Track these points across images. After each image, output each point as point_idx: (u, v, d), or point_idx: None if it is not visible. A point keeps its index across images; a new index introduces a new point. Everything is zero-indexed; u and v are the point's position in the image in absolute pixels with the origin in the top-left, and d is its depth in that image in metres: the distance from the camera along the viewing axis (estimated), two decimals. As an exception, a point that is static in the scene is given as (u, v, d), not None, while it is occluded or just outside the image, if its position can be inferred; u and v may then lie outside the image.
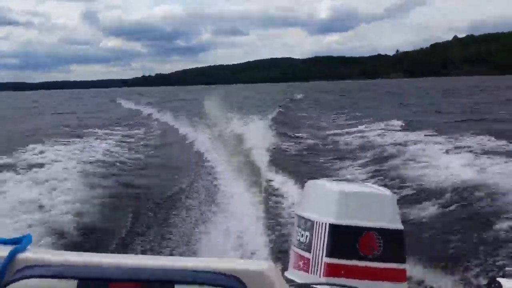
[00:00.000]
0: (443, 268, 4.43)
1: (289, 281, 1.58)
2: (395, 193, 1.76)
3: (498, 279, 1.54)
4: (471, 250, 4.64)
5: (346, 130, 16.23)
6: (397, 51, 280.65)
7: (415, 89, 59.79)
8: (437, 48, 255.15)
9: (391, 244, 1.58)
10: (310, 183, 1.81)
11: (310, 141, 13.85)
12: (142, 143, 15.02)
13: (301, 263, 1.63)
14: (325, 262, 1.56)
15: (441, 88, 55.47)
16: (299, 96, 43.12)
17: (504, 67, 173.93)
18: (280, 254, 4.71)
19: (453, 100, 30.97)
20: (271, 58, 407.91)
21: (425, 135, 12.42)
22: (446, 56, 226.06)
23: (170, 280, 0.98)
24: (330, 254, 1.55)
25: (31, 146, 11.73)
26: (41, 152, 11.23)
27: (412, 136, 12.45)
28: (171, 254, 5.08)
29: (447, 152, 9.61)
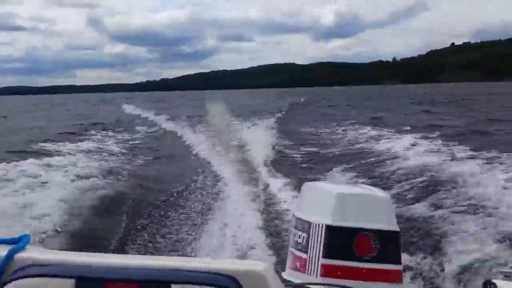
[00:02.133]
0: (439, 269, 4.50)
1: (286, 281, 1.61)
2: (391, 194, 1.94)
3: (493, 280, 1.59)
4: (467, 250, 4.68)
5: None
6: (394, 58, 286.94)
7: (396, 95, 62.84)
8: (433, 55, 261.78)
9: (387, 245, 1.61)
10: (307, 185, 1.85)
11: (307, 143, 14.28)
12: (141, 145, 15.16)
13: (298, 264, 1.66)
14: (321, 263, 1.58)
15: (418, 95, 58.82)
16: (302, 100, 44.38)
17: (495, 73, 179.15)
18: (278, 255, 4.80)
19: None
20: (275, 64, 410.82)
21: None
22: (442, 63, 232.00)
23: (166, 280, 1.00)
24: (326, 255, 1.58)
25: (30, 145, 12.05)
26: (38, 152, 11.35)
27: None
28: (168, 255, 5.18)
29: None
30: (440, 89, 73.76)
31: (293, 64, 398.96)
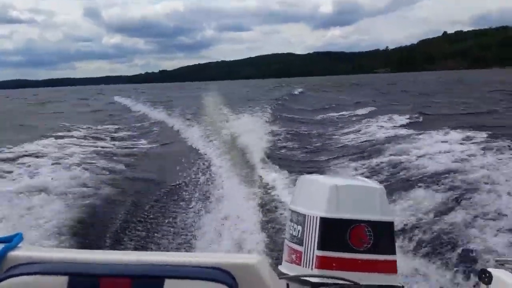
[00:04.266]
0: (434, 260, 4.48)
1: (281, 274, 1.63)
2: (384, 185, 1.89)
3: (488, 269, 1.63)
4: (462, 241, 4.68)
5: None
6: (387, 47, 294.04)
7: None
8: (425, 44, 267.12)
9: (381, 236, 1.62)
10: (302, 178, 1.86)
11: (304, 134, 14.53)
12: (136, 139, 15.10)
13: (293, 256, 1.67)
14: (316, 255, 1.59)
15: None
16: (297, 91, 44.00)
17: (483, 61, 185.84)
18: (276, 249, 4.74)
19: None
20: (273, 54, 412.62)
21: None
22: (432, 51, 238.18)
23: (160, 275, 0.99)
24: (321, 247, 1.59)
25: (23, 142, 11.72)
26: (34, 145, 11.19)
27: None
28: (162, 250, 5.21)
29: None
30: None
31: (291, 54, 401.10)
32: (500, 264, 1.73)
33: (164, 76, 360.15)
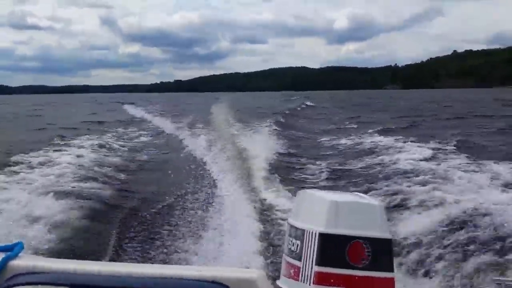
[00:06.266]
0: (430, 278, 4.56)
1: None
2: (383, 202, 2.25)
3: None
4: (458, 261, 4.75)
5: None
6: (396, 64, 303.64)
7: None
8: (434, 62, 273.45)
9: (380, 253, 1.60)
10: (301, 193, 1.83)
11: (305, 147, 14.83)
12: (138, 147, 15.25)
13: (291, 271, 1.65)
14: (314, 271, 1.57)
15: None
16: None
17: (488, 80, 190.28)
18: (275, 263, 4.81)
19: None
20: (287, 67, 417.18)
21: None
22: (440, 69, 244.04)
23: None
24: (319, 262, 1.57)
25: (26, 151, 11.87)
26: (33, 156, 11.36)
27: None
28: (162, 263, 5.21)
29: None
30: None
31: (305, 68, 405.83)
32: (498, 284, 1.73)
33: (178, 86, 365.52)
